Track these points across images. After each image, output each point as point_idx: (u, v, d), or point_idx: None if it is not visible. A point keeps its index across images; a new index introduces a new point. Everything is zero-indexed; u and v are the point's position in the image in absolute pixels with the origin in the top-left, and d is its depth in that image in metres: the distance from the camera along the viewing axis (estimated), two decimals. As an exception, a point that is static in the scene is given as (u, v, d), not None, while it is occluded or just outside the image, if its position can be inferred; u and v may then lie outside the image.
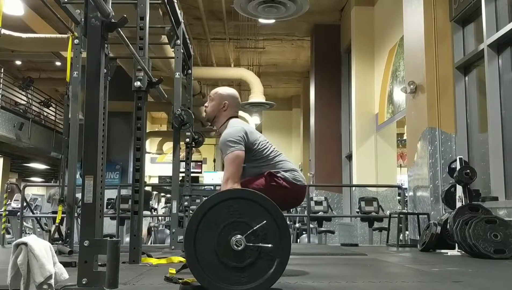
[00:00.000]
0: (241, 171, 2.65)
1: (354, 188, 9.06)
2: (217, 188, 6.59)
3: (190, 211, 5.00)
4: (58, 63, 13.55)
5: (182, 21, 4.82)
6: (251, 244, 2.05)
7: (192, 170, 5.34)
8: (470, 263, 3.57)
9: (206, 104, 2.96)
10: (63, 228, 4.39)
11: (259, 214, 2.09)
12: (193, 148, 5.30)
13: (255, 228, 2.06)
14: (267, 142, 2.81)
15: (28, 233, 9.70)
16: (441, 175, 5.28)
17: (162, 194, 13.83)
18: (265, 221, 2.07)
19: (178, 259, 3.38)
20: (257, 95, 12.04)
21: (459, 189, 4.49)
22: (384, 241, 6.72)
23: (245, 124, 2.85)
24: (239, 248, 2.03)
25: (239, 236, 2.05)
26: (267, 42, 12.22)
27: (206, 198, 2.21)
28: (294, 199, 2.83)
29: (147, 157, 17.59)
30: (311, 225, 7.32)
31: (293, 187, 2.71)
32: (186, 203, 4.97)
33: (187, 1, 9.53)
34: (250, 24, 10.73)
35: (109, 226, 8.10)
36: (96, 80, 2.02)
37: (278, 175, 2.68)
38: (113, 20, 2.06)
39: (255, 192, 2.19)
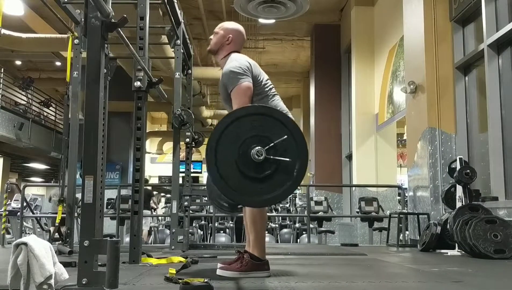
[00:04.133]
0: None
1: (354, 188, 9.06)
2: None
3: (190, 211, 5.00)
4: (58, 63, 13.55)
5: (182, 21, 4.81)
6: (271, 157, 2.14)
7: (192, 170, 5.33)
8: (470, 263, 3.57)
9: (210, 37, 2.95)
10: (63, 228, 4.38)
11: (280, 130, 2.19)
12: (193, 148, 5.29)
13: (275, 142, 2.16)
14: (268, 79, 2.81)
15: (28, 233, 9.69)
16: (441, 175, 5.28)
17: (162, 194, 13.83)
18: (285, 136, 2.17)
19: (178, 259, 3.38)
20: (257, 95, 12.02)
21: (459, 189, 4.49)
22: (384, 241, 6.72)
23: (248, 57, 2.82)
24: (260, 158, 2.12)
25: (259, 147, 2.14)
26: (267, 42, 12.23)
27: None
28: None
29: (147, 157, 17.59)
30: (311, 225, 7.32)
31: None
32: (186, 203, 4.97)
33: (187, 1, 9.53)
34: (250, 24, 10.72)
35: (109, 226, 8.11)
36: (96, 80, 2.02)
37: None
38: (113, 20, 2.06)
39: (278, 110, 2.33)
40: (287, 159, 2.16)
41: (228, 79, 2.66)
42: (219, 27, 2.94)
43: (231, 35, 2.87)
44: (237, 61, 2.71)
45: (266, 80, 2.78)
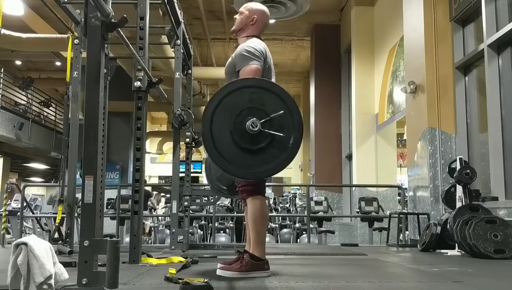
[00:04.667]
0: None
1: (354, 188, 9.06)
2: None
3: (190, 211, 5.00)
4: (58, 63, 13.56)
5: (182, 21, 4.81)
6: (266, 130, 2.16)
7: (192, 170, 5.33)
8: (470, 263, 3.57)
9: (235, 16, 2.97)
10: (63, 228, 4.38)
11: (277, 105, 2.21)
12: (193, 148, 5.29)
13: (272, 116, 2.18)
14: (273, 77, 2.83)
15: (28, 233, 9.69)
16: (441, 175, 5.28)
17: (162, 194, 13.83)
18: (282, 111, 2.19)
19: (178, 259, 3.38)
20: (257, 95, 12.02)
21: (459, 189, 4.49)
22: (384, 241, 6.72)
23: (266, 46, 2.84)
24: (254, 129, 2.14)
25: (254, 118, 2.16)
26: (267, 42, 12.01)
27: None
28: None
29: (147, 157, 17.59)
30: (311, 225, 7.32)
31: None
32: (186, 203, 4.97)
33: (187, 1, 9.53)
34: (250, 24, 10.71)
35: (109, 226, 8.11)
36: (96, 80, 2.02)
37: None
38: (113, 20, 2.06)
39: (277, 85, 2.32)
40: (282, 134, 2.17)
41: (240, 57, 2.68)
42: (244, 7, 2.96)
43: (256, 16, 2.89)
44: (255, 43, 2.74)
45: (272, 76, 2.80)
